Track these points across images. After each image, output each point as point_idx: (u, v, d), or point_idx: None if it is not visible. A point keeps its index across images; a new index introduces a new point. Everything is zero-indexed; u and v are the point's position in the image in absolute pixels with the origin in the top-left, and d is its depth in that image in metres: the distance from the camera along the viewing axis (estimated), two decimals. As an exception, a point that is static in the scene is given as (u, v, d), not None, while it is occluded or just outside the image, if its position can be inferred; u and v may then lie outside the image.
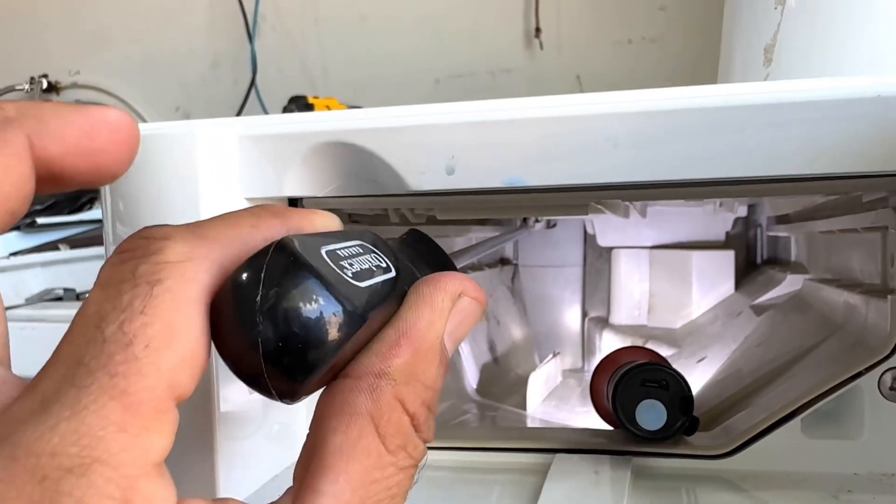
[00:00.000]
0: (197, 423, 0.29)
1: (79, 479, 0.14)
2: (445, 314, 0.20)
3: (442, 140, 0.29)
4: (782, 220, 0.60)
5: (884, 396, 0.31)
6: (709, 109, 0.26)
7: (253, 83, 1.63)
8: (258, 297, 0.16)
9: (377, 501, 0.18)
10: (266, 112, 1.62)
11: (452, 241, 0.54)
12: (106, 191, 0.33)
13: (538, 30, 1.45)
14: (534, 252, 0.81)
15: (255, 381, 0.17)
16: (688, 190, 0.30)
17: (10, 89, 1.89)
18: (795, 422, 0.32)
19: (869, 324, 0.34)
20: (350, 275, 0.18)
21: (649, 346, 0.61)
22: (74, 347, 0.16)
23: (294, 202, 0.33)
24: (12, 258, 1.05)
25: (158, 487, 0.15)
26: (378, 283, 0.19)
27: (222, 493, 0.29)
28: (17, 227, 1.16)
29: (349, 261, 0.18)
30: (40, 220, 1.19)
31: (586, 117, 0.27)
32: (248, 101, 1.64)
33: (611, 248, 0.73)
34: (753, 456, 0.32)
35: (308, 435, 0.19)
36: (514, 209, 0.37)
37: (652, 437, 0.32)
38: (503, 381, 0.61)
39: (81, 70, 1.83)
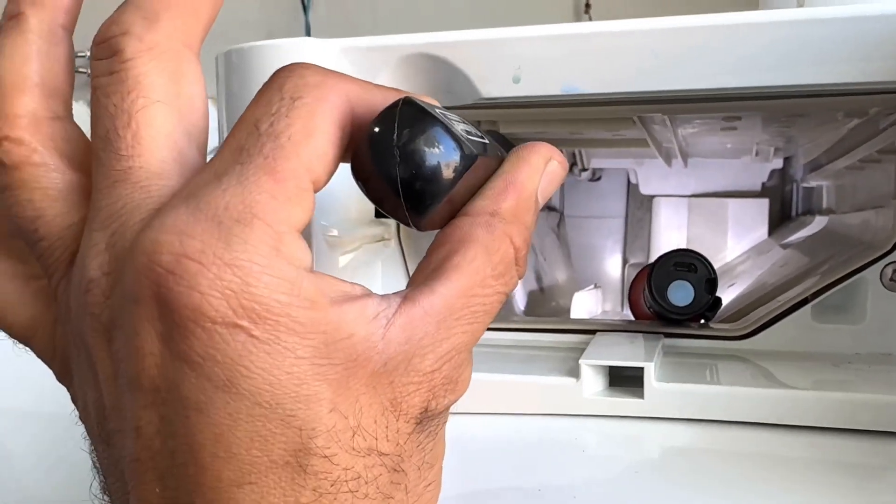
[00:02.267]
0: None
1: (244, 227, 0.19)
2: (540, 171, 0.25)
3: (510, 52, 0.34)
4: (815, 168, 0.64)
5: (885, 287, 0.36)
6: (739, 25, 0.31)
7: None
8: (394, 137, 0.22)
9: (474, 311, 0.23)
10: None
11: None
12: (222, 103, 0.39)
13: (588, 5, 1.47)
14: (579, 203, 0.86)
15: (393, 206, 0.22)
16: (721, 104, 0.35)
17: (74, 56, 1.99)
18: (806, 309, 0.37)
19: (877, 228, 0.39)
20: (459, 129, 0.23)
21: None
22: (237, 139, 0.21)
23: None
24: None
25: (299, 245, 0.20)
26: (476, 140, 0.24)
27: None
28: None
29: (455, 122, 0.24)
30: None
31: (632, 32, 0.32)
32: None
33: (652, 197, 0.78)
34: (768, 338, 0.37)
35: (425, 257, 0.24)
36: (569, 122, 0.42)
37: (681, 313, 0.37)
38: (547, 307, 0.67)
39: None
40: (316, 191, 0.21)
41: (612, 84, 0.33)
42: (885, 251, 0.36)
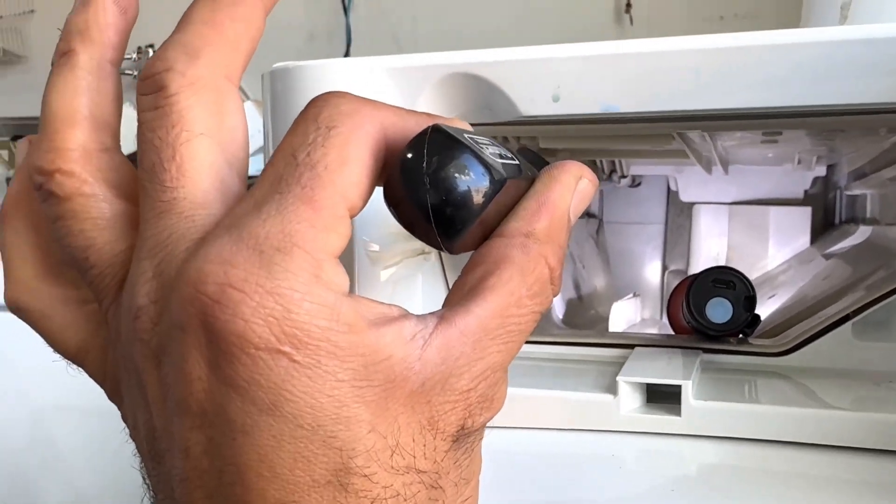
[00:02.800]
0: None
1: (284, 256, 0.20)
2: (571, 190, 0.25)
3: (550, 72, 0.34)
4: (859, 176, 0.63)
5: (927, 306, 0.36)
6: (776, 46, 0.31)
7: (347, 56, 1.69)
8: (424, 164, 0.22)
9: (509, 331, 0.23)
10: None
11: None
12: (268, 122, 0.40)
13: (629, 5, 1.46)
14: (619, 209, 0.86)
15: (424, 232, 0.23)
16: (759, 122, 0.35)
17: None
18: (847, 326, 0.37)
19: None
20: (488, 153, 0.24)
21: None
22: (276, 168, 0.22)
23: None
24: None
25: (337, 271, 0.21)
26: (506, 163, 0.25)
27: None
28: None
29: (484, 146, 0.24)
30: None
31: (670, 52, 0.33)
32: None
33: (692, 204, 0.77)
34: (807, 355, 0.37)
35: (461, 276, 0.24)
36: (607, 139, 0.43)
37: (719, 330, 0.37)
38: (585, 316, 0.67)
39: None
40: (352, 216, 0.22)
41: (651, 103, 0.33)
42: (927, 269, 0.35)
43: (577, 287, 0.69)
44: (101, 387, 0.27)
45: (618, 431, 0.34)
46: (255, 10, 0.25)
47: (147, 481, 0.24)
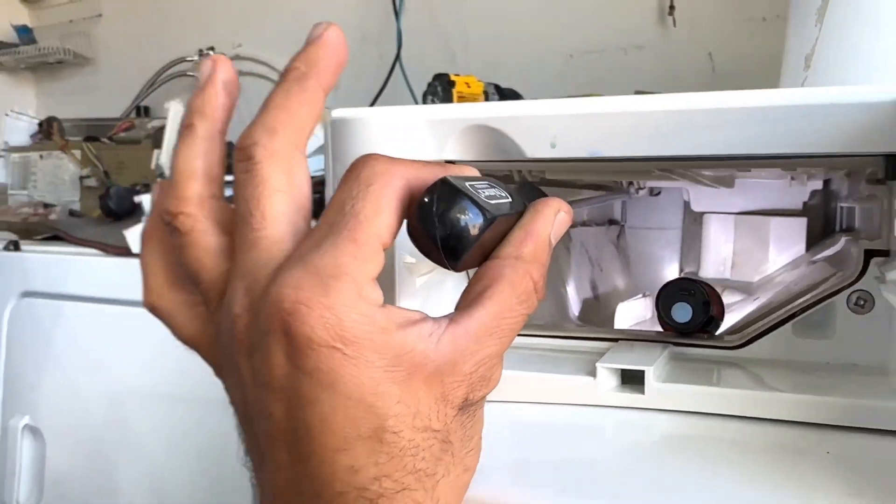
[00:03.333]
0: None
1: (336, 281, 0.28)
2: (551, 222, 0.33)
3: (548, 124, 0.44)
4: (850, 190, 0.71)
5: (851, 310, 0.44)
6: (718, 110, 0.41)
7: (398, 58, 1.74)
8: (434, 209, 0.30)
9: (503, 329, 0.31)
10: (409, 85, 1.72)
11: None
12: (328, 145, 0.49)
13: (672, 7, 1.48)
14: (640, 216, 0.94)
15: (436, 258, 0.30)
16: (714, 162, 0.44)
17: (181, 60, 2.06)
18: (788, 325, 0.46)
19: (851, 258, 0.47)
20: (483, 196, 0.32)
21: (726, 294, 0.74)
22: (330, 216, 0.29)
23: (450, 164, 0.49)
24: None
25: (374, 289, 0.29)
26: (499, 202, 0.32)
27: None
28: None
29: (482, 190, 0.32)
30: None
31: (638, 112, 0.42)
32: (392, 74, 1.75)
33: (702, 213, 0.86)
34: (757, 348, 0.46)
35: (466, 288, 0.31)
36: (598, 173, 0.52)
37: (682, 328, 0.46)
38: (601, 314, 0.76)
39: (243, 43, 2.01)
40: (384, 249, 0.30)
41: (627, 150, 0.43)
42: (850, 282, 0.44)
43: (594, 288, 0.78)
44: (211, 366, 0.36)
45: (597, 406, 0.43)
46: (318, 95, 0.34)
47: (242, 437, 0.33)
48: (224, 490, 1.12)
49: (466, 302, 0.31)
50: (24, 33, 2.39)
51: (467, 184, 0.30)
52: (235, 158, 0.33)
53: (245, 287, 0.30)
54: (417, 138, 0.47)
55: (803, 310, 0.45)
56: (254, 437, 0.32)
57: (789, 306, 0.47)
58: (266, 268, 0.30)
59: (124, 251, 1.21)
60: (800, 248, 0.79)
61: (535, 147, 0.44)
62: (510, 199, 0.33)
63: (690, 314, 0.46)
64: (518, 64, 1.65)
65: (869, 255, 0.44)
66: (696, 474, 0.38)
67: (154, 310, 0.36)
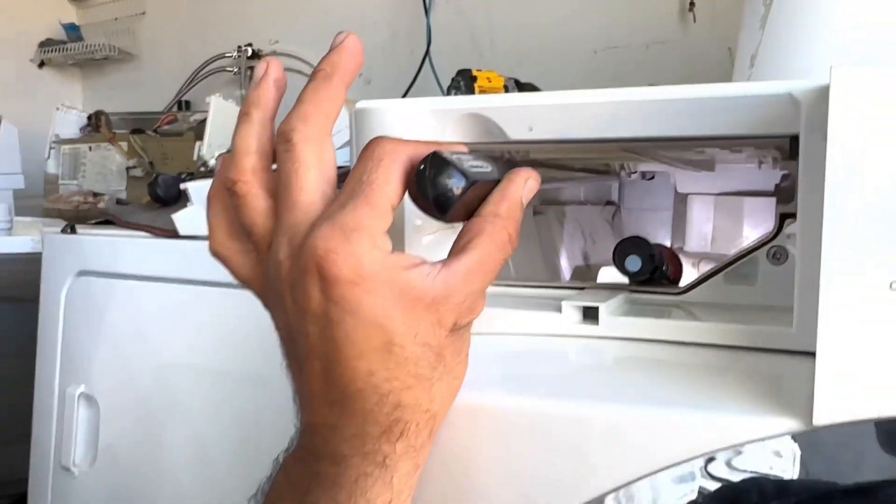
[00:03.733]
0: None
1: (357, 233, 0.35)
2: (522, 187, 0.40)
3: (526, 112, 0.55)
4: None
5: (769, 262, 0.55)
6: (653, 101, 0.51)
7: (427, 53, 1.83)
8: (426, 174, 0.36)
9: (484, 271, 0.38)
10: (437, 79, 1.80)
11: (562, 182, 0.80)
12: (353, 131, 0.61)
13: (692, 3, 1.54)
14: (635, 198, 1.05)
15: (430, 212, 0.37)
16: (666, 144, 0.54)
17: (221, 56, 2.18)
18: (721, 275, 0.56)
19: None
20: (466, 165, 0.41)
21: (702, 263, 0.85)
22: (351, 185, 0.37)
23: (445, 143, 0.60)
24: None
25: (385, 240, 0.36)
26: (480, 170, 0.41)
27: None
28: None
29: (466, 161, 0.40)
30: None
31: (595, 104, 0.53)
32: (422, 69, 1.83)
33: (687, 195, 0.96)
34: (696, 294, 0.57)
35: (457, 239, 0.38)
36: (571, 153, 0.63)
37: (633, 276, 0.57)
38: (589, 279, 0.87)
39: (280, 40, 2.12)
40: (393, 209, 0.37)
41: (590, 132, 0.54)
42: (769, 238, 0.55)
43: (585, 258, 0.89)
44: (260, 300, 0.42)
45: (563, 335, 0.54)
46: (340, 90, 0.41)
47: (285, 355, 0.40)
48: (259, 453, 1.19)
49: (455, 250, 0.39)
50: (72, 31, 2.48)
51: (454, 156, 0.38)
52: (277, 140, 0.40)
53: (287, 239, 0.38)
54: (424, 124, 0.58)
55: (732, 262, 0.56)
56: (294, 354, 0.39)
57: (723, 260, 0.58)
58: (303, 225, 0.38)
59: (171, 234, 1.31)
60: (770, 223, 0.88)
61: (516, 130, 0.55)
62: (490, 169, 0.42)
63: (640, 264, 0.57)
64: (543, 59, 1.72)
65: (783, 217, 0.54)
66: (640, 382, 0.48)
67: (217, 255, 0.45)
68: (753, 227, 0.90)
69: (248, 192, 0.41)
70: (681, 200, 1.00)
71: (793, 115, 0.48)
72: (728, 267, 0.56)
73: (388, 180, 0.37)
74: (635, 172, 0.94)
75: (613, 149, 0.60)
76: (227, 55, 2.19)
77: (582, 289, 0.60)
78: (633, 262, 0.57)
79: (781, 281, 0.55)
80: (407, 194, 0.39)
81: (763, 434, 0.39)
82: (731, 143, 0.53)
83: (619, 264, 0.58)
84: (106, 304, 1.31)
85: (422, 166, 0.37)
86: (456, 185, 0.37)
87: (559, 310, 0.54)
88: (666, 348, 0.52)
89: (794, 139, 0.50)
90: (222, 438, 1.22)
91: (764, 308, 0.55)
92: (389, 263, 0.36)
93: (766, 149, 0.59)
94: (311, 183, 0.39)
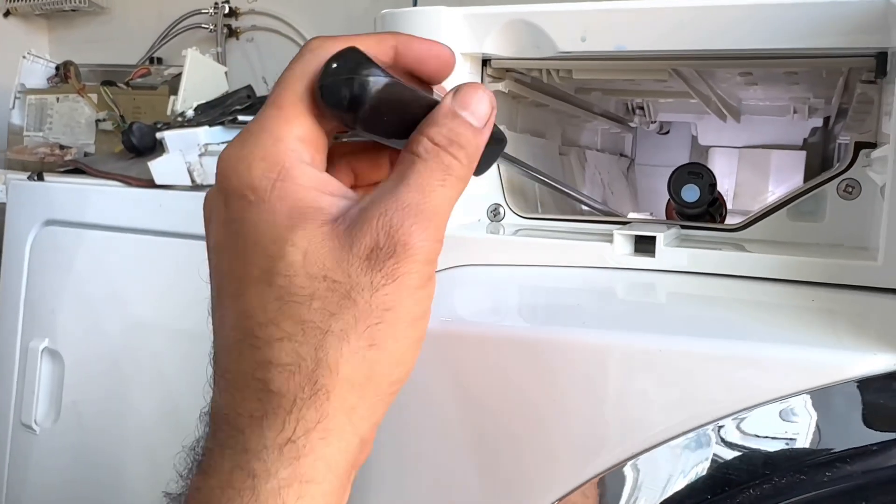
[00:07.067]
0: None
1: (253, 136, 0.30)
2: (475, 98, 0.31)
3: (580, 19, 0.49)
4: (846, 127, 0.77)
5: (840, 196, 0.50)
6: (737, 6, 0.46)
7: None
8: (336, 66, 0.29)
9: (430, 189, 0.30)
10: None
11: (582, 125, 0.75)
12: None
13: None
14: (649, 153, 1.00)
15: (339, 113, 0.29)
16: (722, 61, 0.49)
17: (197, 12, 2.07)
18: (783, 210, 0.51)
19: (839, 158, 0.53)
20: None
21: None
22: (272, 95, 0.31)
23: (486, 61, 0.55)
24: (210, 147, 1.28)
25: (306, 151, 0.30)
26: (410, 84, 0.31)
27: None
28: (220, 123, 1.41)
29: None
30: (241, 118, 1.43)
31: (661, 9, 0.47)
32: None
33: (709, 147, 0.92)
34: (755, 230, 0.52)
35: (393, 166, 0.31)
36: (621, 71, 0.57)
37: (690, 207, 0.52)
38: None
39: None
40: (311, 113, 0.30)
41: (648, 43, 0.48)
42: (840, 171, 0.50)
43: (605, 205, 0.84)
44: None
45: (613, 268, 0.49)
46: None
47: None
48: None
49: (390, 177, 0.31)
50: (39, -20, 2.39)
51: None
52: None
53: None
54: (457, 34, 0.52)
55: (797, 196, 0.51)
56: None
57: (785, 195, 0.53)
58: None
59: (147, 183, 1.25)
60: (798, 179, 0.84)
61: (567, 41, 0.49)
62: (427, 94, 0.33)
63: (698, 194, 0.52)
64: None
65: (859, 146, 0.49)
66: (699, 317, 0.43)
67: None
68: (779, 182, 0.86)
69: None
70: (700, 154, 0.95)
71: (887, 25, 0.43)
72: (792, 202, 0.51)
73: (300, 76, 0.30)
74: (654, 122, 0.89)
75: (670, 67, 0.54)
76: (202, 11, 2.10)
77: (626, 222, 0.54)
78: (691, 192, 0.52)
79: (852, 217, 0.50)
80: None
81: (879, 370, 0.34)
82: (807, 62, 0.48)
83: (676, 194, 0.52)
84: (74, 255, 1.25)
85: (335, 59, 0.30)
86: (374, 81, 0.29)
87: (609, 239, 0.49)
88: (726, 283, 0.47)
89: (882, 55, 0.46)
90: (198, 398, 1.17)
91: (831, 246, 0.50)
92: (295, 174, 0.29)
93: (834, 75, 0.54)
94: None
